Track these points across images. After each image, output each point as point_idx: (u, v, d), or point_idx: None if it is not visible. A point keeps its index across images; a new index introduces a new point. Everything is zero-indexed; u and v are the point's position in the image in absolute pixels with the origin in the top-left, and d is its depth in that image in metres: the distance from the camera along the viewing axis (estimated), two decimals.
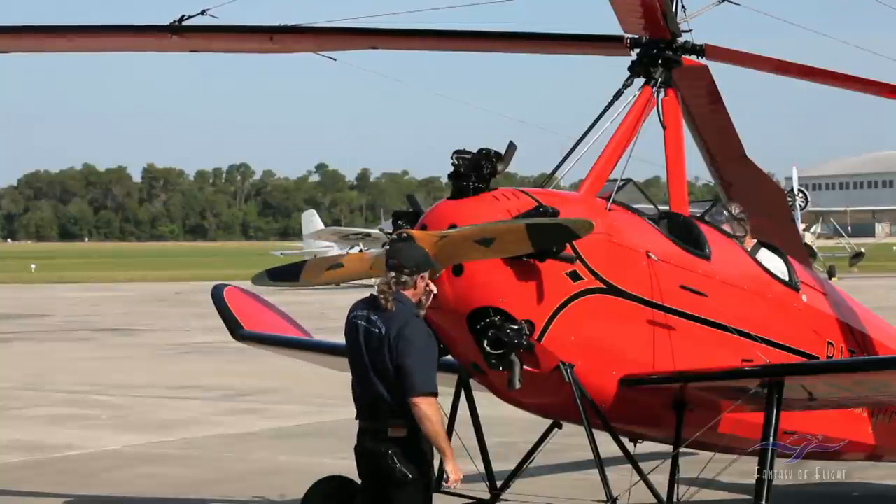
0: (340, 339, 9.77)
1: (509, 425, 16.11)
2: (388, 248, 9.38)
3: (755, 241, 11.85)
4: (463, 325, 9.77)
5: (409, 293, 9.04)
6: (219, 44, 12.12)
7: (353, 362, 9.12)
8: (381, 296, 8.97)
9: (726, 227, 11.66)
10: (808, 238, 67.73)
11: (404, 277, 9.01)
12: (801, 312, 11.74)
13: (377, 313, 8.95)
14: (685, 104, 11.55)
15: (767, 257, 11.74)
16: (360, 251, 33.34)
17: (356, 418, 9.17)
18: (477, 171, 9.78)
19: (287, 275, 11.33)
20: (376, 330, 8.93)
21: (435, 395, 8.84)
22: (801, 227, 64.24)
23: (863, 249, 78.74)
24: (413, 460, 8.91)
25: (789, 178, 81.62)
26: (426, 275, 9.11)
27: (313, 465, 16.00)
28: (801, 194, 71.27)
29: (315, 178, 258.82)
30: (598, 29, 11.27)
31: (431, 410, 8.74)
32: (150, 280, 79.24)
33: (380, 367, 8.92)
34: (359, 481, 9.34)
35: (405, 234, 9.53)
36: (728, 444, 11.20)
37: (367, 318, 8.99)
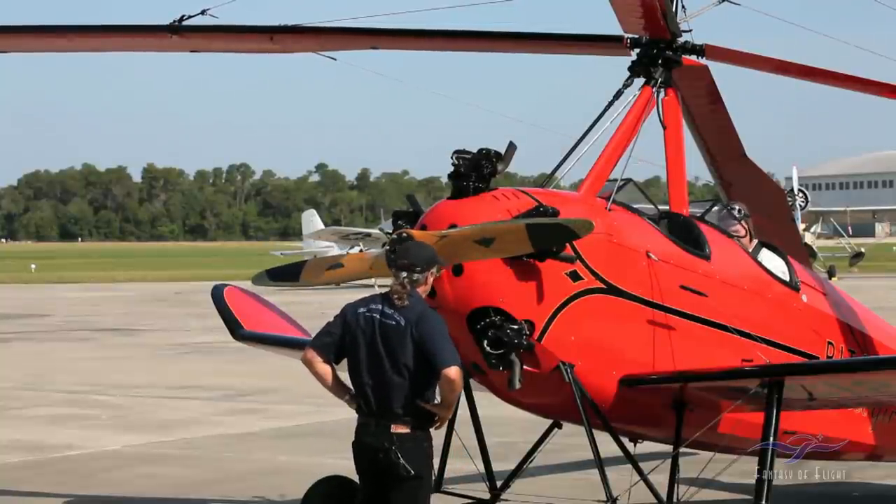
0: None
1: (509, 425, 16.12)
2: (392, 248, 9.33)
3: (756, 241, 11.85)
4: (463, 325, 9.77)
5: (420, 290, 9.05)
6: (219, 44, 12.12)
7: (365, 355, 8.98)
8: (396, 295, 8.94)
9: (737, 228, 11.67)
10: (808, 238, 67.77)
11: (416, 276, 8.99)
12: (801, 312, 11.74)
13: (392, 308, 8.94)
14: (685, 104, 11.55)
15: (768, 257, 11.75)
16: (360, 251, 33.33)
17: (357, 411, 9.10)
18: (477, 171, 9.78)
19: (287, 275, 11.33)
20: (393, 322, 8.89)
21: (461, 366, 8.91)
22: (801, 227, 64.26)
23: (863, 249, 78.78)
24: (415, 457, 8.90)
25: (789, 178, 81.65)
26: (434, 271, 9.12)
27: (313, 465, 15.99)
28: (801, 194, 71.34)
29: (315, 178, 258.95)
30: (598, 29, 11.28)
31: (459, 379, 8.82)
32: (150, 280, 79.23)
33: (398, 360, 8.88)
34: (357, 480, 9.33)
35: (405, 234, 9.54)
36: (728, 444, 11.20)
37: (382, 312, 8.95)
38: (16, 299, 59.09)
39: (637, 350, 10.39)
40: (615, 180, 10.72)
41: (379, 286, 9.43)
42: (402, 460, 8.82)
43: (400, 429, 8.88)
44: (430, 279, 9.09)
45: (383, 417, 8.91)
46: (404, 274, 8.97)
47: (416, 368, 8.86)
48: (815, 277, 12.43)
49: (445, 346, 8.85)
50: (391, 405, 8.89)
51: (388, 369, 8.90)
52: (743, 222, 11.78)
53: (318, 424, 20.32)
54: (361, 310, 9.04)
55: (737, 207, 11.85)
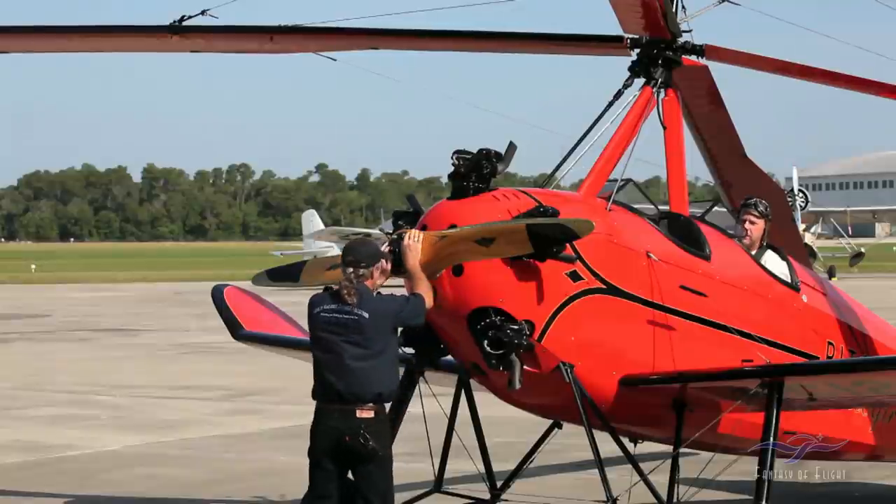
0: None
1: (509, 425, 16.10)
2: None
3: (764, 244, 11.85)
4: (463, 325, 9.78)
5: (368, 283, 9.50)
6: (219, 44, 12.12)
7: (328, 351, 9.46)
8: (345, 290, 9.42)
9: (752, 220, 11.73)
10: (808, 238, 67.76)
11: (361, 270, 9.48)
12: (802, 313, 11.74)
13: (348, 305, 9.41)
14: (685, 104, 11.54)
15: (772, 259, 11.75)
16: None
17: (316, 399, 9.54)
18: (477, 171, 9.79)
19: (287, 275, 11.34)
20: (355, 317, 9.38)
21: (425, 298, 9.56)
22: (801, 227, 64.25)
23: (863, 249, 78.75)
24: (379, 438, 9.41)
25: (789, 178, 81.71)
26: (380, 265, 9.55)
27: None
28: (801, 194, 71.39)
29: (315, 178, 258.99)
30: (598, 29, 11.28)
31: (430, 298, 9.56)
32: (151, 280, 79.22)
33: (364, 351, 9.36)
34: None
35: (405, 234, 9.60)
36: (728, 444, 11.20)
37: (340, 310, 9.44)
38: (16, 299, 59.09)
39: (637, 350, 10.38)
40: (615, 180, 10.71)
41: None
42: (370, 442, 9.33)
43: (365, 413, 9.36)
44: (376, 274, 9.53)
45: (349, 403, 9.37)
46: (350, 270, 9.46)
47: (380, 356, 9.40)
48: (815, 278, 12.42)
49: (411, 300, 9.43)
50: (357, 392, 9.36)
51: (354, 360, 9.36)
52: (762, 220, 11.79)
53: None
54: (317, 310, 9.54)
55: (764, 203, 11.86)
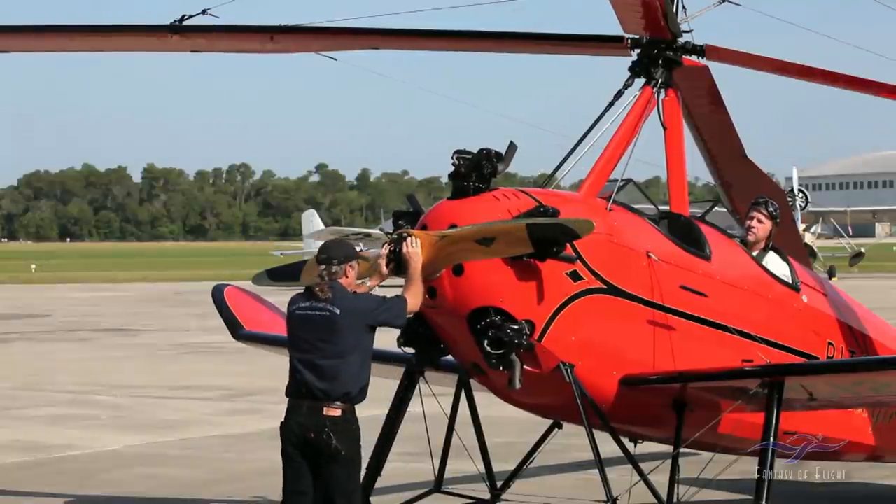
0: None
1: (509, 425, 16.11)
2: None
3: (767, 245, 11.84)
4: (463, 324, 9.77)
5: (343, 282, 9.51)
6: (220, 44, 12.12)
7: (300, 349, 9.50)
8: (318, 287, 9.46)
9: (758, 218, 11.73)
10: (808, 238, 67.74)
11: (334, 268, 9.51)
12: (802, 313, 11.74)
13: (321, 301, 9.45)
14: (685, 104, 11.54)
15: (773, 261, 11.75)
16: (360, 251, 33.29)
17: (289, 396, 9.56)
18: (477, 171, 9.80)
19: (287, 275, 11.36)
20: (327, 313, 9.40)
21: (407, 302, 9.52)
22: (801, 227, 64.25)
23: (863, 249, 78.75)
24: (345, 438, 9.40)
25: (789, 178, 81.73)
26: (355, 264, 9.61)
27: None
28: (801, 194, 71.41)
29: (315, 178, 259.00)
30: (599, 29, 11.28)
31: (415, 300, 9.52)
32: (151, 280, 79.23)
33: (333, 348, 9.38)
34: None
35: (405, 234, 9.60)
36: (728, 444, 11.20)
37: (312, 307, 9.49)
38: (16, 299, 59.08)
39: (637, 350, 10.38)
40: (616, 180, 10.72)
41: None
42: (334, 441, 9.32)
43: (332, 411, 9.37)
44: (351, 273, 9.57)
45: (317, 401, 9.38)
46: (323, 267, 9.50)
47: (350, 354, 9.41)
48: (815, 278, 12.43)
49: (388, 302, 9.42)
50: (326, 390, 9.37)
51: (323, 357, 9.39)
52: (770, 221, 11.78)
53: None
54: (292, 308, 9.60)
55: (775, 205, 11.86)
